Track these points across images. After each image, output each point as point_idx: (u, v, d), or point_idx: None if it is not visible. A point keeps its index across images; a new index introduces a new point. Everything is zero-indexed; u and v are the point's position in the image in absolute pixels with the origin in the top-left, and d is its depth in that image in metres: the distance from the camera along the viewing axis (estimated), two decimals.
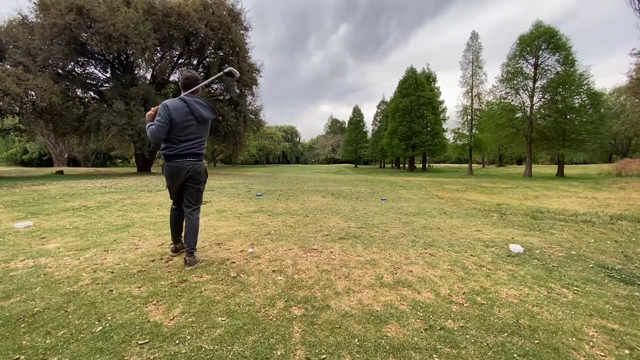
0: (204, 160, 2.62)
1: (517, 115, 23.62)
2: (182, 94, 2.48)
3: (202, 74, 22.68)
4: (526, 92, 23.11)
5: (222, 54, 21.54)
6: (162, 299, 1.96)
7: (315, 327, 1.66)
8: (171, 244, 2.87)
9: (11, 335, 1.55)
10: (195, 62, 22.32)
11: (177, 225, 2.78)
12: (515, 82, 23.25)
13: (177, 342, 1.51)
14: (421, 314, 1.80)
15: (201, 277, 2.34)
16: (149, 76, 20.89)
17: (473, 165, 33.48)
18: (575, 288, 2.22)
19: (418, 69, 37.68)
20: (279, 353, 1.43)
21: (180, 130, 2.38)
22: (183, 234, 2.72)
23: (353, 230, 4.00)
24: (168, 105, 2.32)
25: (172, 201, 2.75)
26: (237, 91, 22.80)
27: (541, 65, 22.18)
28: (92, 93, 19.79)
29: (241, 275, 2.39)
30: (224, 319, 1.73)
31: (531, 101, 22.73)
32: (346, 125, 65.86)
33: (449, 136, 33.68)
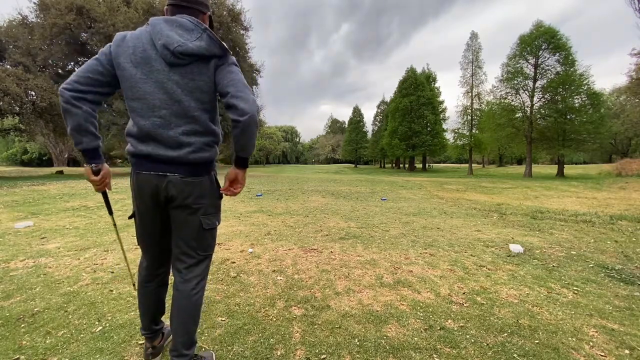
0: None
1: (517, 115, 23.63)
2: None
3: None
4: (526, 92, 23.13)
5: None
6: None
7: (315, 327, 1.66)
8: (145, 341, 1.38)
9: (11, 335, 1.55)
10: None
11: (151, 303, 1.36)
12: (515, 82, 23.27)
13: None
14: (421, 314, 1.80)
15: None
16: None
17: (473, 165, 33.48)
18: (575, 288, 2.22)
19: (419, 68, 37.84)
20: (279, 353, 1.43)
21: (132, 86, 1.08)
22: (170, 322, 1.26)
23: (353, 230, 4.00)
24: (117, 34, 1.12)
25: (141, 253, 1.34)
26: None
27: (541, 65, 22.20)
28: None
29: (241, 275, 2.39)
30: (224, 319, 1.73)
31: (531, 101, 22.75)
32: (346, 125, 65.91)
33: (449, 136, 33.76)
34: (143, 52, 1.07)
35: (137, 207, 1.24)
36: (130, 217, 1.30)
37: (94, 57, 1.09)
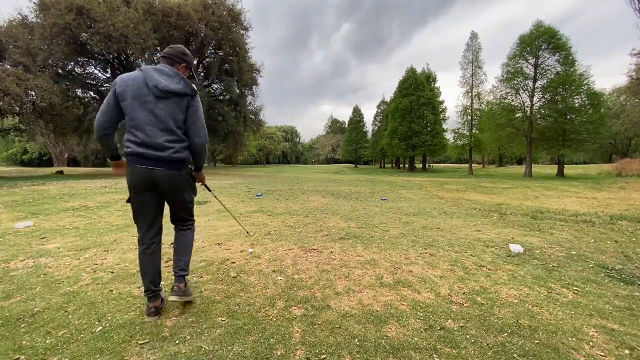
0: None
1: (517, 115, 23.60)
2: None
3: (201, 74, 22.68)
4: (526, 92, 23.10)
5: (222, 54, 21.58)
6: None
7: (315, 327, 1.66)
8: (147, 301, 1.76)
9: (11, 335, 1.55)
10: (195, 62, 22.26)
11: (149, 267, 1.75)
12: (515, 82, 23.24)
13: (177, 342, 1.51)
14: (421, 314, 1.80)
15: (201, 277, 2.34)
16: None
17: (473, 165, 33.46)
18: (575, 288, 2.22)
19: (419, 68, 37.84)
20: (279, 353, 1.43)
21: (132, 112, 1.61)
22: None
23: (353, 230, 4.00)
24: (117, 78, 1.66)
25: (137, 228, 1.79)
26: (237, 91, 22.82)
27: (541, 65, 22.17)
28: (92, 93, 19.81)
29: (241, 275, 2.39)
30: (224, 319, 1.73)
31: (531, 101, 22.72)
32: (346, 125, 65.85)
33: (449, 136, 33.71)
34: (138, 89, 1.61)
35: (132, 193, 1.72)
36: (127, 201, 1.81)
37: (106, 98, 1.64)
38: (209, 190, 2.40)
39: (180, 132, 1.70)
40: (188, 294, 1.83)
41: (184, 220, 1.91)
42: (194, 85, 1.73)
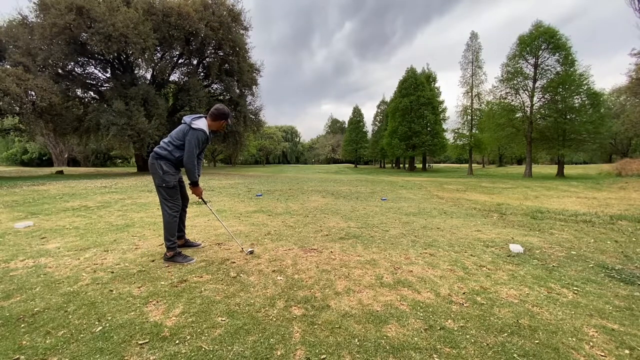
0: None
1: (517, 115, 23.60)
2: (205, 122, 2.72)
3: (201, 74, 22.69)
4: (526, 92, 23.10)
5: (222, 54, 21.54)
6: (162, 299, 1.96)
7: (315, 327, 1.66)
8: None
9: (11, 335, 1.55)
10: (195, 62, 22.29)
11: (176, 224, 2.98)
12: (515, 82, 23.23)
13: (177, 342, 1.51)
14: (421, 314, 1.80)
15: (201, 277, 2.34)
16: (148, 76, 20.89)
17: (473, 165, 33.46)
18: (575, 288, 2.22)
19: (423, 68, 37.86)
20: (279, 353, 1.43)
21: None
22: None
23: (353, 230, 4.00)
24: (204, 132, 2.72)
25: None
26: (237, 91, 22.80)
27: (541, 65, 22.16)
28: (92, 93, 19.79)
29: (241, 275, 2.39)
30: (224, 319, 1.73)
31: (531, 101, 22.72)
32: (346, 125, 65.86)
33: (449, 136, 33.72)
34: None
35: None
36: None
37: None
38: (204, 202, 3.07)
39: (172, 148, 2.69)
40: (170, 260, 2.67)
41: (161, 203, 2.74)
42: (191, 124, 2.66)
